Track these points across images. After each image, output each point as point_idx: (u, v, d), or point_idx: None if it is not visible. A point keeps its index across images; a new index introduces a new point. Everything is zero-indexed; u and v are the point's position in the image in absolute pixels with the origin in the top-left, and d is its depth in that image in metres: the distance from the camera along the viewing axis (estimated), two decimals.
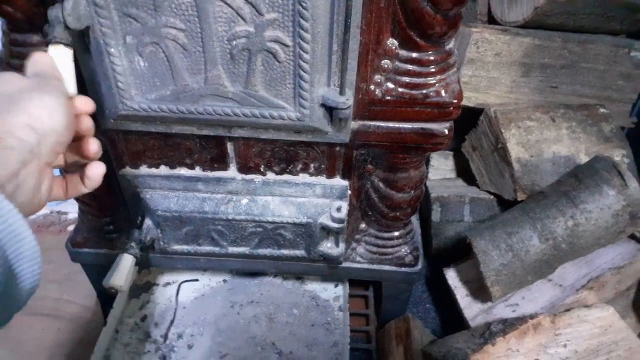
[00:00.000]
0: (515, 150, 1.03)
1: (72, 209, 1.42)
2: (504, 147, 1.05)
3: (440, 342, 0.89)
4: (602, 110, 1.11)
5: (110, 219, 0.98)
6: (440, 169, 1.36)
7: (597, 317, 0.83)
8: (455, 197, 1.14)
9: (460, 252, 1.12)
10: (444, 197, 1.14)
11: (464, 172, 1.31)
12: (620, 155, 1.04)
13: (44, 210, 1.38)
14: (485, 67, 1.12)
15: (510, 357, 0.80)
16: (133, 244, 0.88)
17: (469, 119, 1.22)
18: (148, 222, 0.90)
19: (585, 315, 0.83)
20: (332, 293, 1.14)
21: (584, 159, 1.05)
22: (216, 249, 0.94)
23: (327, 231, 0.91)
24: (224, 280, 1.13)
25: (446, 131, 0.80)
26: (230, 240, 0.93)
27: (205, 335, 0.99)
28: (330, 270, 1.02)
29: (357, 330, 1.10)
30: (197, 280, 1.15)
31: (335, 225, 0.89)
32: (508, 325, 0.84)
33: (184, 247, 0.94)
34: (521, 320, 0.84)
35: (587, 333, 0.82)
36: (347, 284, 1.13)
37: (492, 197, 1.13)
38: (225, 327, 0.98)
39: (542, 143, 1.04)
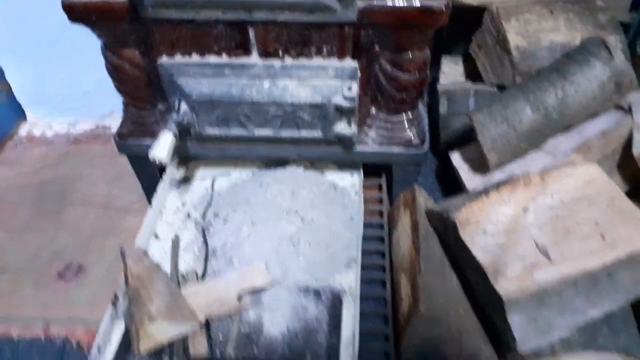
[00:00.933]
0: (514, 40, 1.11)
1: (115, 124, 1.57)
2: (504, 37, 1.13)
3: (441, 202, 1.01)
4: (599, 3, 1.17)
5: (150, 110, 1.12)
6: (450, 74, 1.45)
7: (582, 173, 0.93)
8: (461, 90, 1.23)
9: (465, 143, 1.22)
10: (451, 91, 1.24)
11: (472, 76, 1.40)
12: (614, 41, 1.11)
13: (91, 125, 1.54)
14: None
15: (502, 205, 0.91)
16: (172, 124, 1.02)
17: (475, 24, 1.30)
18: (184, 106, 1.03)
19: (571, 172, 0.93)
20: (349, 181, 1.26)
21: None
22: (244, 132, 1.08)
23: (340, 112, 1.03)
24: (253, 174, 1.27)
25: (443, 8, 0.90)
26: (256, 123, 1.06)
27: (238, 211, 1.13)
28: (345, 155, 1.14)
29: (371, 211, 1.22)
30: (229, 175, 1.29)
31: (347, 104, 1.00)
32: (501, 183, 0.95)
33: (216, 131, 1.07)
34: (514, 179, 0.95)
35: (572, 186, 0.92)
36: (361, 173, 1.25)
37: (495, 89, 1.22)
38: (255, 202, 1.12)
39: (540, 33, 1.12)
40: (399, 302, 1.00)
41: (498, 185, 0.93)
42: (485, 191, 0.94)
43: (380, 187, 1.26)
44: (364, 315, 1.04)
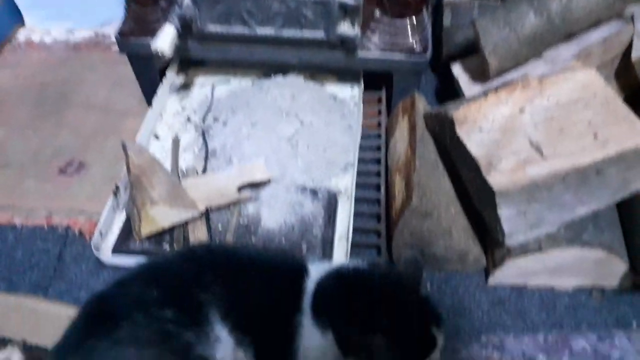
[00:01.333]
0: None
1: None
2: None
3: (440, 106, 1.02)
4: None
5: (152, 7, 1.11)
6: None
7: (580, 78, 0.94)
8: (466, 2, 1.22)
9: (467, 56, 1.22)
10: (455, 3, 1.23)
11: None
12: None
13: (90, 33, 1.52)
14: None
15: (499, 106, 0.92)
16: (175, 18, 1.01)
17: None
18: (187, 0, 1.02)
19: (570, 77, 0.94)
20: (348, 93, 1.27)
21: None
22: (246, 30, 1.07)
23: (344, 10, 1.02)
24: (253, 83, 1.27)
25: None
26: (258, 21, 1.05)
27: (238, 114, 1.14)
28: (347, 60, 1.14)
29: (370, 122, 1.23)
30: (228, 82, 1.29)
31: (352, 2, 1.00)
32: (500, 86, 0.96)
33: (218, 28, 1.07)
34: (512, 83, 0.96)
35: (569, 89, 0.93)
36: (361, 85, 1.25)
37: (499, 1, 1.21)
38: (255, 104, 1.13)
39: None
40: (392, 201, 1.03)
41: (497, 88, 0.94)
42: (484, 93, 0.95)
43: (379, 100, 1.27)
44: (358, 215, 1.08)
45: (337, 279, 0.75)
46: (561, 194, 0.87)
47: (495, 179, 0.84)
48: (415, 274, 0.73)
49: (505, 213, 0.87)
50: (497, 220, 0.88)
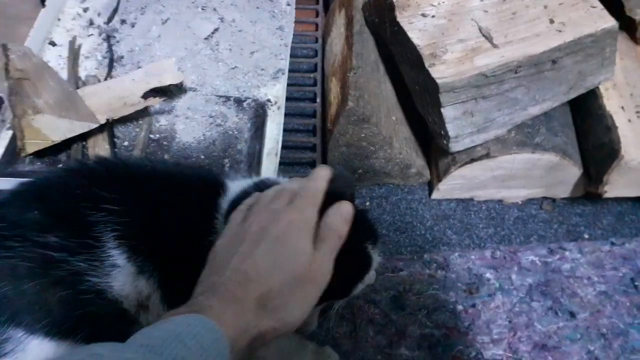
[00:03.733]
0: None
1: None
2: None
3: None
4: None
5: None
6: None
7: None
8: None
9: None
10: None
11: None
12: None
13: None
14: None
15: None
16: None
17: None
18: None
19: None
20: None
21: None
22: None
23: None
24: None
25: None
26: None
27: (147, 12, 0.97)
28: None
29: (305, 34, 1.09)
30: None
31: None
32: None
33: None
34: None
35: None
36: None
37: None
38: None
39: None
40: (328, 109, 0.91)
41: None
42: None
43: (317, 1, 1.12)
44: (292, 130, 0.96)
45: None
46: (512, 90, 0.77)
47: (439, 71, 0.73)
48: (345, 189, 0.61)
49: (450, 113, 0.77)
50: (441, 121, 0.78)
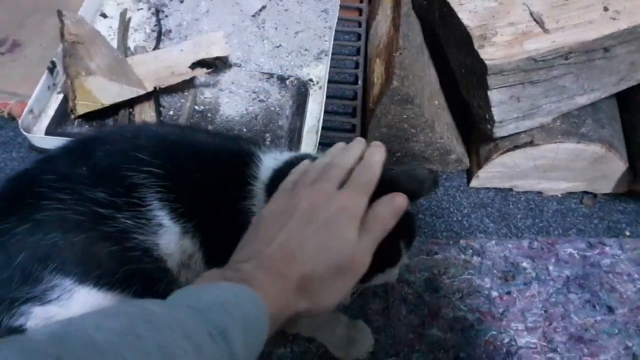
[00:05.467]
0: None
1: None
2: None
3: None
4: None
5: None
6: None
7: None
8: None
9: None
10: None
11: None
12: None
13: None
14: None
15: None
16: None
17: None
18: None
19: None
20: None
21: None
22: None
23: None
24: None
25: None
26: None
27: None
28: None
29: (349, 19, 1.10)
30: None
31: None
32: None
33: None
34: None
35: None
36: None
37: None
38: None
39: None
40: (370, 90, 0.91)
41: None
42: None
43: None
44: (333, 111, 0.96)
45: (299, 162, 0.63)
46: (561, 77, 0.76)
47: (488, 53, 0.72)
48: (414, 190, 0.57)
49: (497, 97, 0.76)
50: (487, 105, 0.77)
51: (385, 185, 0.54)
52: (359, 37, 1.04)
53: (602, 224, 0.88)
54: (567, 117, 0.82)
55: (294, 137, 0.87)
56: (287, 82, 0.93)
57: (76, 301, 0.56)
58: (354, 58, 1.00)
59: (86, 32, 0.85)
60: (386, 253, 0.55)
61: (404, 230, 0.56)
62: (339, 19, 1.03)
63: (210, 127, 0.86)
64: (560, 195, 0.91)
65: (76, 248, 0.56)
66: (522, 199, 0.91)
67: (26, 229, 0.55)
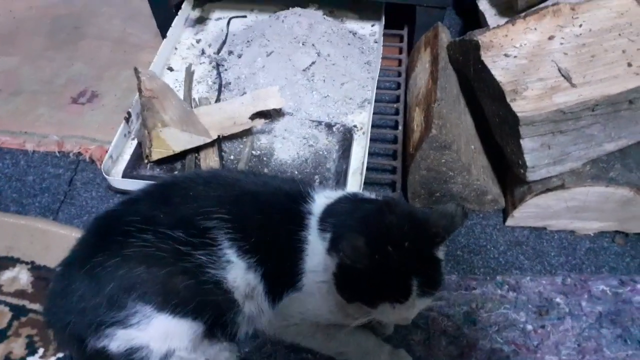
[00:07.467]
0: None
1: None
2: None
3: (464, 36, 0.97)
4: None
5: None
6: None
7: (616, 5, 0.88)
8: None
9: None
10: None
11: None
12: None
13: None
14: None
15: (527, 34, 0.87)
16: None
17: None
18: None
19: (605, 3, 0.89)
20: (368, 30, 1.23)
21: None
22: None
23: None
24: (269, 15, 1.22)
25: None
26: None
27: (253, 45, 1.10)
28: None
29: (390, 59, 1.19)
30: (245, 16, 1.26)
31: None
32: (529, 13, 0.91)
33: None
34: (542, 9, 0.90)
35: (603, 16, 0.88)
36: (382, 23, 1.21)
37: None
38: (270, 34, 1.09)
39: None
40: (410, 136, 0.99)
41: (525, 15, 0.89)
42: (512, 20, 0.90)
43: (401, 39, 1.22)
44: (375, 153, 1.05)
45: (351, 201, 0.73)
46: (589, 126, 0.82)
47: (520, 106, 0.80)
48: (448, 223, 0.63)
49: (529, 145, 0.83)
50: (519, 152, 0.84)
51: (418, 225, 0.62)
52: (398, 85, 1.13)
53: (633, 262, 0.93)
54: (596, 162, 0.88)
55: (340, 179, 0.95)
56: (334, 128, 1.02)
57: (154, 326, 0.66)
58: (395, 105, 1.09)
59: (159, 87, 0.96)
60: (396, 285, 0.60)
61: (421, 268, 0.61)
62: (380, 69, 1.13)
63: (265, 170, 0.96)
64: (592, 234, 0.96)
65: (158, 280, 0.66)
66: (556, 237, 0.96)
67: (116, 262, 0.66)
